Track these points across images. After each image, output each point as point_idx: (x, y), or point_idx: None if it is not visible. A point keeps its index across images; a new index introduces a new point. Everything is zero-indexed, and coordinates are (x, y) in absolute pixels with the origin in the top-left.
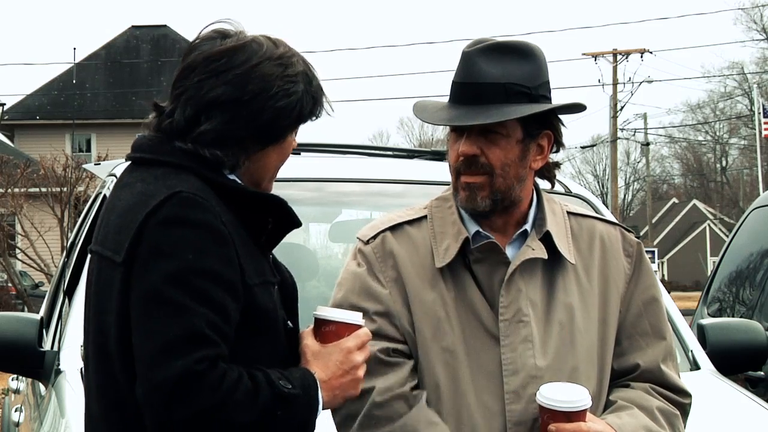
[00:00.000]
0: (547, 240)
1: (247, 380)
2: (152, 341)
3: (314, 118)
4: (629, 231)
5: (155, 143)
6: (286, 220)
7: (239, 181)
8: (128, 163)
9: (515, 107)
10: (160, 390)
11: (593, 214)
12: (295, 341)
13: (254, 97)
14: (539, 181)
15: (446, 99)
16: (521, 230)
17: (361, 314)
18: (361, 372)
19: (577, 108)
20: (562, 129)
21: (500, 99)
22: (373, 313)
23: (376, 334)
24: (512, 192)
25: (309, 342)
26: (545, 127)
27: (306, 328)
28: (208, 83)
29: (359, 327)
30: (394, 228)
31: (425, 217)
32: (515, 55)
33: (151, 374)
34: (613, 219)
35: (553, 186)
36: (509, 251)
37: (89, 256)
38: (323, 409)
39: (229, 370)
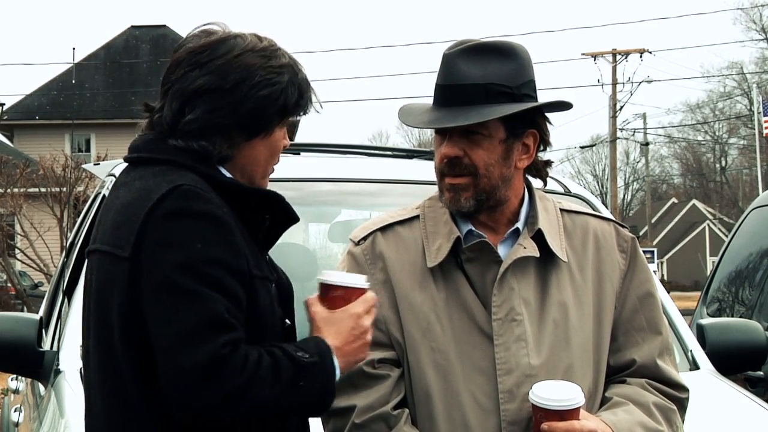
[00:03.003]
0: (539, 238)
1: (267, 357)
2: (173, 329)
3: (301, 112)
4: (623, 226)
5: (150, 142)
6: (283, 215)
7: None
8: (126, 164)
9: (495, 107)
10: (188, 375)
11: (587, 210)
12: (292, 339)
13: (236, 85)
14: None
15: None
16: (513, 229)
17: (365, 277)
18: (370, 336)
19: (561, 106)
20: (550, 127)
21: (481, 100)
22: None
23: None
24: (497, 192)
25: (318, 309)
26: (530, 126)
27: (311, 296)
28: (192, 75)
29: (365, 291)
30: (385, 228)
31: (417, 216)
32: (496, 55)
33: (177, 361)
34: (607, 215)
35: (545, 184)
36: (501, 250)
37: (87, 257)
38: (340, 374)
39: (249, 350)
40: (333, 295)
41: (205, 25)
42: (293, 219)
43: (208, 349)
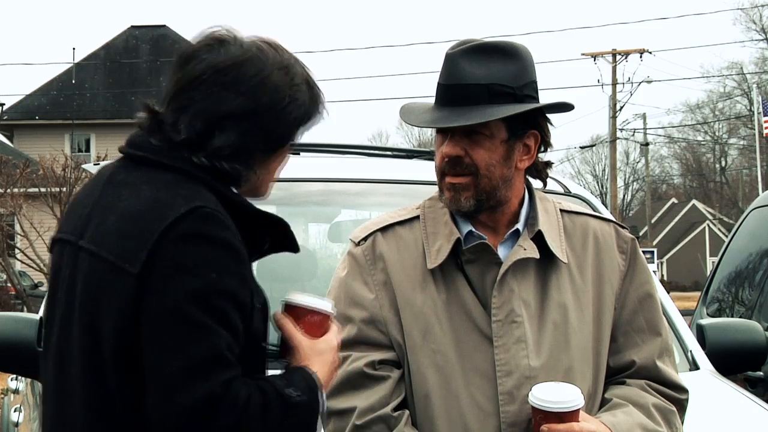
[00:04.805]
0: (539, 239)
1: (257, 394)
2: (175, 361)
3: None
4: (623, 227)
5: (161, 148)
6: (284, 242)
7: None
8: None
9: (498, 108)
10: (184, 412)
11: (587, 211)
12: (262, 358)
13: (268, 109)
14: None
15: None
16: (513, 230)
17: (332, 302)
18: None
19: (563, 107)
20: (551, 128)
21: (483, 100)
22: (359, 321)
23: (363, 343)
24: (497, 192)
25: (300, 336)
26: (531, 126)
27: (279, 314)
28: (220, 96)
29: (330, 316)
30: (385, 229)
31: (417, 217)
32: (499, 55)
33: (174, 395)
34: (607, 215)
35: (545, 185)
36: (501, 251)
37: (60, 245)
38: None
39: (240, 387)
40: (311, 321)
41: (211, 29)
42: (294, 249)
43: (207, 388)
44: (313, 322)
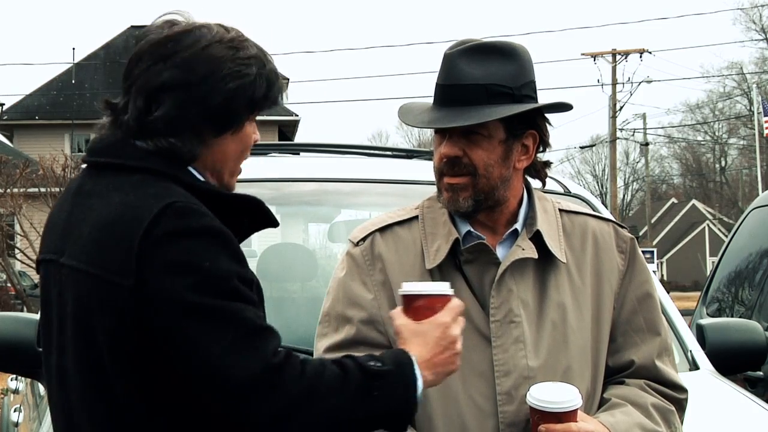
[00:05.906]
0: (538, 239)
1: (331, 365)
2: (213, 351)
3: (270, 105)
4: (622, 227)
5: (115, 145)
6: (262, 220)
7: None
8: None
9: (496, 108)
10: (247, 387)
11: (586, 210)
12: None
13: (204, 79)
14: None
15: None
16: (511, 230)
17: (448, 284)
18: (459, 345)
19: (561, 107)
20: (550, 128)
21: (481, 100)
22: (358, 321)
23: (362, 343)
24: (496, 192)
25: (403, 321)
26: (530, 126)
27: (394, 309)
28: (156, 68)
29: (449, 298)
30: (384, 229)
31: (416, 217)
32: (497, 55)
33: (230, 377)
34: (607, 215)
35: (544, 185)
36: (500, 251)
37: (48, 267)
38: (429, 386)
39: (307, 357)
40: (416, 305)
41: (167, 14)
42: (273, 223)
43: (259, 359)
44: (419, 306)
